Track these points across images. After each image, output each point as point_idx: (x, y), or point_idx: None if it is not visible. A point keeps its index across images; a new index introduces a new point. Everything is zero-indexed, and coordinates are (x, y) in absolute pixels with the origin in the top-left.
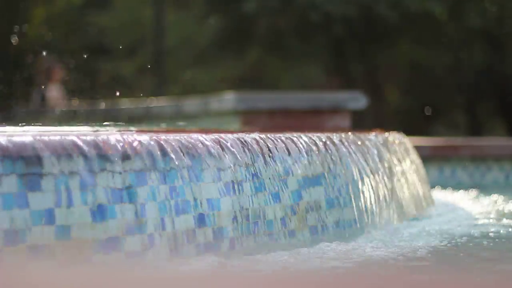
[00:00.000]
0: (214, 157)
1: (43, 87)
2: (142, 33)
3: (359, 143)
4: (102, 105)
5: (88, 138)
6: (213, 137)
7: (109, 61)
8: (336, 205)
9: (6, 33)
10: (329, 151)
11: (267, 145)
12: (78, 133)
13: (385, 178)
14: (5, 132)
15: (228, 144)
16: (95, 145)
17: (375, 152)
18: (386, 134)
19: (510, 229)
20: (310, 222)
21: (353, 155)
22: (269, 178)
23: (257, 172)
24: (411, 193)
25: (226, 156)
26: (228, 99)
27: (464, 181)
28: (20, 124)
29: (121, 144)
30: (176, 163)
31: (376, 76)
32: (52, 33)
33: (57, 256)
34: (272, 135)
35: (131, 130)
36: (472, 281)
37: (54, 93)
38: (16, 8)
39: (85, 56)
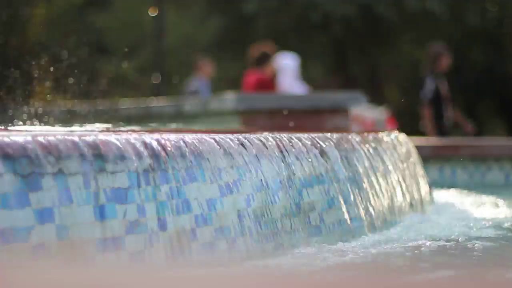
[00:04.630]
0: None
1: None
2: (142, 33)
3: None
4: (101, 105)
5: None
6: None
7: (109, 61)
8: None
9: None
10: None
11: None
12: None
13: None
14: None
15: None
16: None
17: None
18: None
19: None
20: None
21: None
22: None
23: None
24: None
25: None
26: (228, 99)
27: (464, 181)
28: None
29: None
30: None
31: (376, 76)
32: (52, 33)
33: (57, 255)
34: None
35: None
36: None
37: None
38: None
39: (84, 55)
